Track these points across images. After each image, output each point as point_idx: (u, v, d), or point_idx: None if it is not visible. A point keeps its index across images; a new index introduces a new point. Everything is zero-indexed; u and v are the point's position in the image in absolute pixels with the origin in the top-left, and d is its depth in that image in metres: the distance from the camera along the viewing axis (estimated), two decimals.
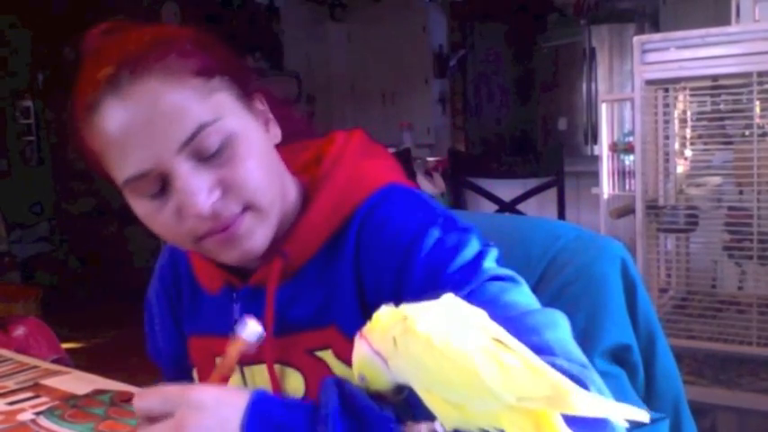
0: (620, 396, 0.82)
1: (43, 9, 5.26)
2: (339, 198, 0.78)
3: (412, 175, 3.77)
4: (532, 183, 3.24)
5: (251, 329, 0.72)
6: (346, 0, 6.13)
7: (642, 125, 1.83)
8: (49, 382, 1.06)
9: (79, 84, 0.70)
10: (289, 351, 0.78)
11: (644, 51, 1.80)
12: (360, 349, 0.58)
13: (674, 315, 1.83)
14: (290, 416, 0.59)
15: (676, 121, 1.92)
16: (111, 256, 5.43)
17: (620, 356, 0.86)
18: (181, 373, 0.92)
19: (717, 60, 1.72)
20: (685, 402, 0.93)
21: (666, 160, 1.94)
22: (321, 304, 0.78)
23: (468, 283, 0.68)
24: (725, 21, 2.72)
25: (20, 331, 2.40)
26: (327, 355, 0.77)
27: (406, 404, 0.58)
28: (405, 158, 3.81)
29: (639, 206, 1.86)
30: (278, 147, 0.78)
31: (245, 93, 0.74)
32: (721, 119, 1.88)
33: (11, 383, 1.06)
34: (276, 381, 0.78)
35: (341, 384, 0.60)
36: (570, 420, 0.49)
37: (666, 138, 1.92)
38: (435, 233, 0.73)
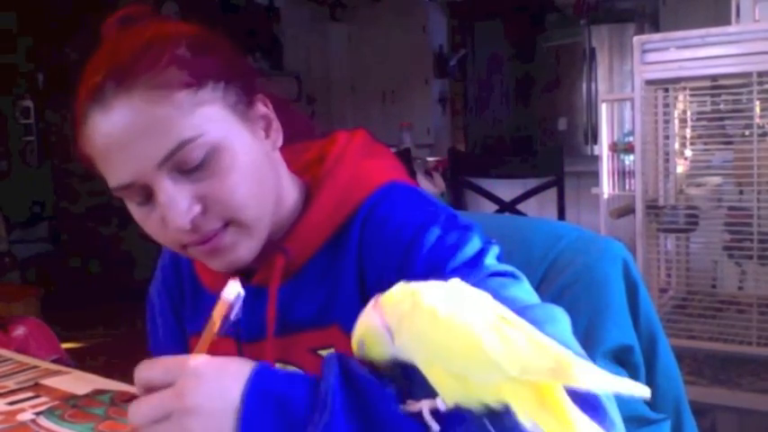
0: (620, 397, 0.82)
1: (44, 9, 5.26)
2: (341, 196, 0.78)
3: (412, 175, 3.77)
4: (532, 183, 3.24)
5: (230, 289, 0.71)
6: (346, 0, 6.13)
7: (642, 125, 1.83)
8: (49, 382, 1.06)
9: (78, 87, 0.71)
10: (292, 350, 0.78)
11: (644, 51, 1.79)
12: (369, 318, 0.57)
13: (675, 315, 1.83)
14: (291, 387, 0.59)
15: (676, 121, 1.92)
16: (111, 256, 5.43)
17: (621, 357, 0.86)
18: None
19: (717, 60, 1.72)
20: (686, 403, 0.93)
21: (666, 160, 1.93)
22: (324, 303, 0.78)
23: (469, 279, 0.68)
24: (725, 21, 2.72)
25: (20, 331, 2.40)
26: None
27: (401, 379, 0.58)
28: (405, 158, 3.82)
29: (639, 206, 1.86)
30: (280, 147, 0.78)
31: (245, 97, 0.74)
32: (721, 119, 1.88)
33: (11, 383, 1.06)
34: None
35: (343, 359, 0.60)
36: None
37: (666, 138, 1.92)
38: (437, 230, 0.73)
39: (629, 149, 2.17)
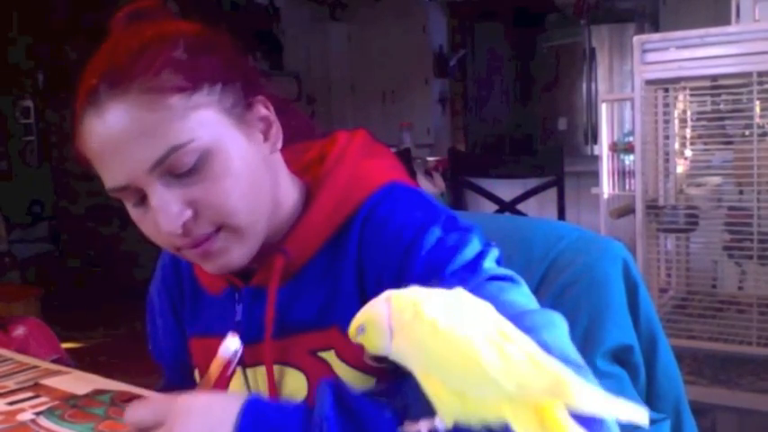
0: (621, 397, 0.82)
1: (44, 9, 5.26)
2: (341, 197, 0.78)
3: (412, 175, 3.77)
4: (532, 183, 3.24)
5: (226, 345, 0.72)
6: (346, 0, 6.13)
7: (642, 125, 1.83)
8: (49, 382, 1.06)
9: (77, 88, 0.71)
10: (291, 352, 0.78)
11: (644, 51, 1.79)
12: (377, 309, 0.56)
13: (675, 315, 1.83)
14: (284, 418, 0.59)
15: (676, 121, 1.92)
16: (111, 256, 5.43)
17: (621, 357, 0.86)
18: (183, 373, 0.92)
19: (717, 60, 1.72)
20: (686, 403, 0.93)
21: (666, 160, 1.93)
22: (323, 304, 0.77)
23: (467, 283, 0.68)
24: (725, 21, 2.72)
25: (20, 331, 2.39)
26: (330, 356, 0.76)
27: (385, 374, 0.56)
28: (405, 158, 3.81)
29: (639, 206, 1.86)
30: (281, 146, 0.78)
31: (243, 99, 0.73)
32: (721, 119, 1.88)
33: (11, 383, 1.06)
34: (274, 382, 0.78)
35: (336, 386, 0.60)
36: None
37: (666, 138, 1.92)
38: (436, 232, 0.73)
39: (629, 149, 2.17)
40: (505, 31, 6.05)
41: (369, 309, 0.57)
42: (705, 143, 1.92)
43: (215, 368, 0.72)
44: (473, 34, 6.15)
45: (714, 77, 1.81)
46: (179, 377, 0.93)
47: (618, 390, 0.80)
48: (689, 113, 1.92)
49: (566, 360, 0.59)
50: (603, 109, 2.35)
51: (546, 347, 0.60)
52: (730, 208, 1.84)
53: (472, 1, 5.85)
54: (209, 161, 0.69)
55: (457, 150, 4.10)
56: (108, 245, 5.42)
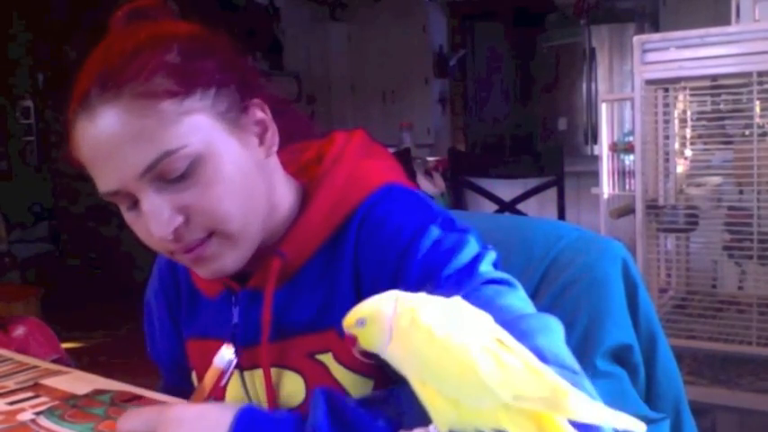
0: (620, 397, 0.82)
1: (44, 9, 5.26)
2: (338, 198, 0.78)
3: (412, 175, 3.77)
4: (532, 183, 3.24)
5: (221, 355, 0.72)
6: (346, 0, 6.13)
7: (642, 125, 1.83)
8: (49, 382, 1.06)
9: (71, 90, 0.70)
10: (288, 354, 0.78)
11: (644, 51, 1.79)
12: (383, 307, 0.55)
13: (674, 315, 1.83)
14: (278, 428, 0.59)
15: (676, 121, 1.92)
16: (111, 256, 5.43)
17: (621, 357, 0.86)
18: (181, 375, 0.92)
19: (717, 60, 1.72)
20: (686, 402, 0.93)
21: (666, 160, 1.93)
22: (321, 306, 0.77)
23: (463, 286, 0.68)
24: (725, 21, 2.72)
25: (20, 331, 2.39)
26: (328, 359, 0.76)
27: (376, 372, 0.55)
28: (405, 158, 3.81)
29: (639, 206, 1.86)
30: (278, 148, 0.78)
31: (239, 103, 0.72)
32: (721, 119, 1.88)
33: (11, 383, 1.06)
34: (271, 385, 0.77)
35: (330, 395, 0.60)
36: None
37: (666, 138, 1.92)
38: (433, 234, 0.73)
39: (629, 149, 2.17)
40: (505, 30, 6.06)
41: (374, 304, 0.56)
42: (705, 143, 1.92)
43: (209, 378, 0.72)
44: (473, 34, 6.15)
45: (714, 77, 1.81)
46: (177, 379, 0.93)
47: (617, 390, 0.80)
48: (689, 113, 1.92)
49: (561, 365, 0.59)
50: (603, 109, 2.35)
51: (541, 352, 0.60)
52: (730, 208, 1.84)
53: (472, 1, 5.86)
54: (201, 167, 0.68)
55: (457, 150, 4.11)
56: (108, 245, 5.42)
